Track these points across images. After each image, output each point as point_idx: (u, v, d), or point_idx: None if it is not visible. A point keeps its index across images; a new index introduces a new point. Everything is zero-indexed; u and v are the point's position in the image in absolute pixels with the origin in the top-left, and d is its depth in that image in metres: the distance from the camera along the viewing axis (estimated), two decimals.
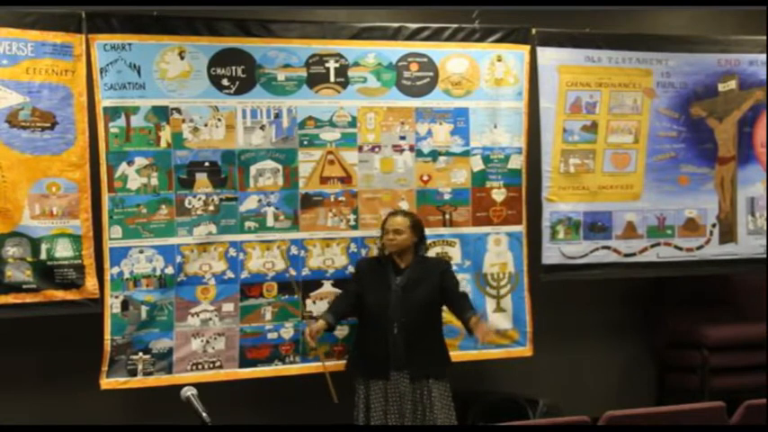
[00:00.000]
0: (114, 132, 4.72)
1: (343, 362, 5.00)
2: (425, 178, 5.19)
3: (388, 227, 4.79)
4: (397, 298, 4.71)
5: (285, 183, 4.98)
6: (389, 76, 5.13)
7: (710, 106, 5.73)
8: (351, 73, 5.07)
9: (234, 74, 4.89)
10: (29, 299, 4.59)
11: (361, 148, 5.10)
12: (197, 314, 4.84)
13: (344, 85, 5.07)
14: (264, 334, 4.94)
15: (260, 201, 4.95)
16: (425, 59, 5.19)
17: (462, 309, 4.76)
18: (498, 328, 5.20)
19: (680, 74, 5.64)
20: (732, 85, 5.76)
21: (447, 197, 5.22)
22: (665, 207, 5.65)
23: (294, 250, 4.98)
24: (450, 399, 4.77)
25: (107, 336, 4.68)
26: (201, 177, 4.86)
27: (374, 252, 5.02)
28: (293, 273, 4.96)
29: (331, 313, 4.84)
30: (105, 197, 4.70)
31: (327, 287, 5.02)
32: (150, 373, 4.76)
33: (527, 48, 5.35)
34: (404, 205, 5.12)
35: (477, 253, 5.23)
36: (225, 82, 4.88)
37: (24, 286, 4.58)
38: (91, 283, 4.68)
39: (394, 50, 5.14)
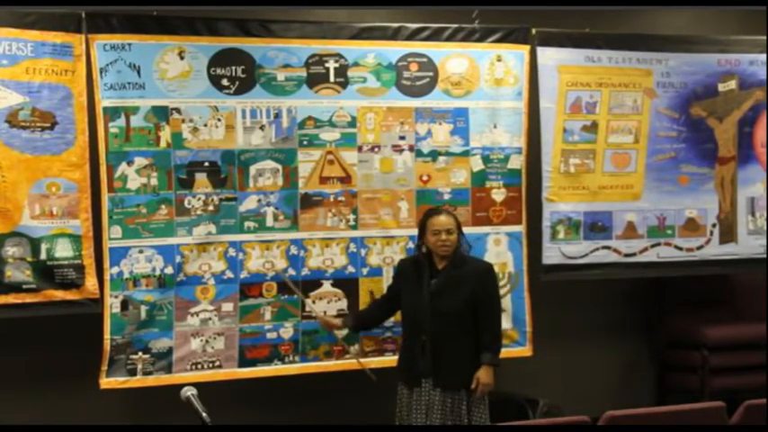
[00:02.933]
0: (114, 132, 4.73)
1: (343, 362, 5.03)
2: (425, 178, 5.19)
3: (438, 228, 4.51)
4: (425, 305, 4.50)
5: (285, 183, 4.98)
6: (389, 76, 5.13)
7: (710, 106, 5.72)
8: (350, 73, 5.07)
9: (234, 74, 4.89)
10: (29, 299, 4.59)
11: (360, 148, 5.09)
12: (196, 314, 4.84)
13: (344, 85, 5.06)
14: (264, 334, 4.93)
15: (259, 201, 4.94)
16: (425, 59, 5.18)
17: (482, 342, 4.50)
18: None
19: (680, 74, 5.64)
20: (732, 85, 5.75)
21: (447, 197, 5.21)
22: (665, 207, 5.65)
23: (294, 250, 4.98)
24: (486, 411, 4.53)
25: (107, 335, 4.68)
26: (201, 177, 4.86)
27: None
28: (290, 272, 4.95)
29: (352, 316, 4.89)
30: (105, 197, 4.70)
31: (327, 287, 5.02)
32: (150, 373, 4.76)
33: (527, 48, 5.34)
34: (403, 205, 5.13)
35: (476, 253, 5.21)
36: (225, 82, 4.88)
37: (24, 286, 4.58)
38: (91, 282, 4.68)
39: (394, 50, 5.14)
